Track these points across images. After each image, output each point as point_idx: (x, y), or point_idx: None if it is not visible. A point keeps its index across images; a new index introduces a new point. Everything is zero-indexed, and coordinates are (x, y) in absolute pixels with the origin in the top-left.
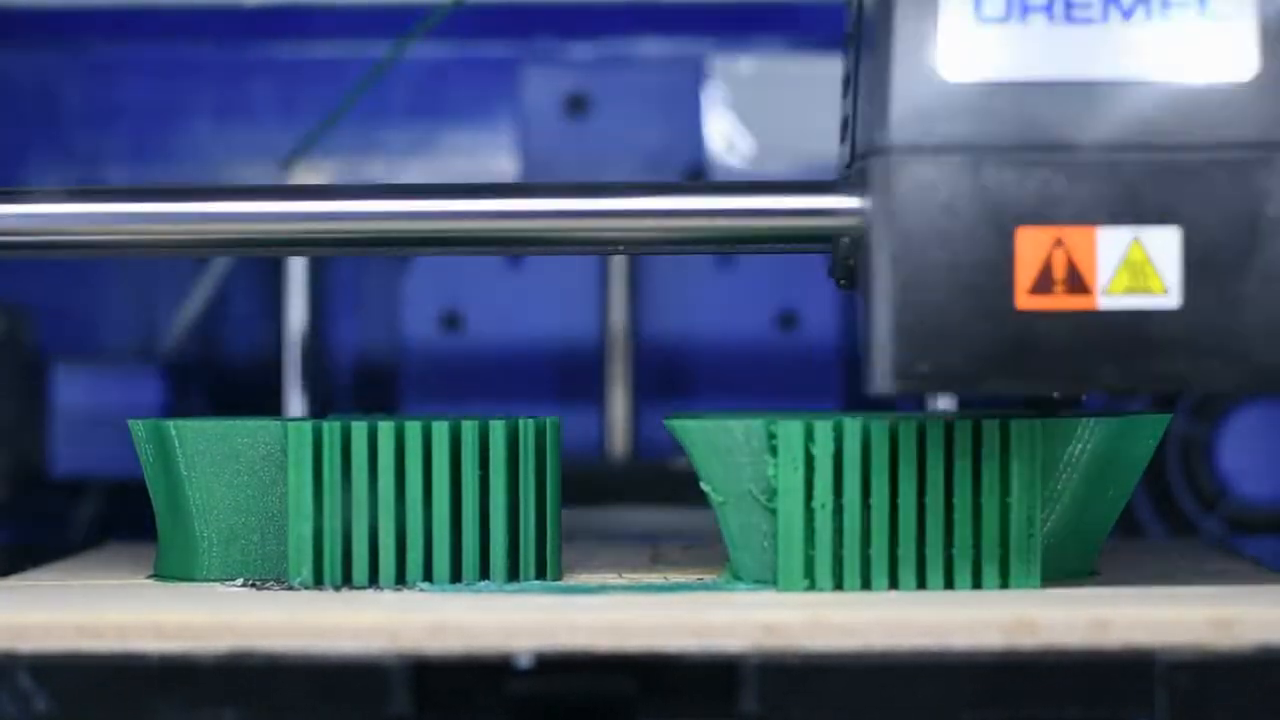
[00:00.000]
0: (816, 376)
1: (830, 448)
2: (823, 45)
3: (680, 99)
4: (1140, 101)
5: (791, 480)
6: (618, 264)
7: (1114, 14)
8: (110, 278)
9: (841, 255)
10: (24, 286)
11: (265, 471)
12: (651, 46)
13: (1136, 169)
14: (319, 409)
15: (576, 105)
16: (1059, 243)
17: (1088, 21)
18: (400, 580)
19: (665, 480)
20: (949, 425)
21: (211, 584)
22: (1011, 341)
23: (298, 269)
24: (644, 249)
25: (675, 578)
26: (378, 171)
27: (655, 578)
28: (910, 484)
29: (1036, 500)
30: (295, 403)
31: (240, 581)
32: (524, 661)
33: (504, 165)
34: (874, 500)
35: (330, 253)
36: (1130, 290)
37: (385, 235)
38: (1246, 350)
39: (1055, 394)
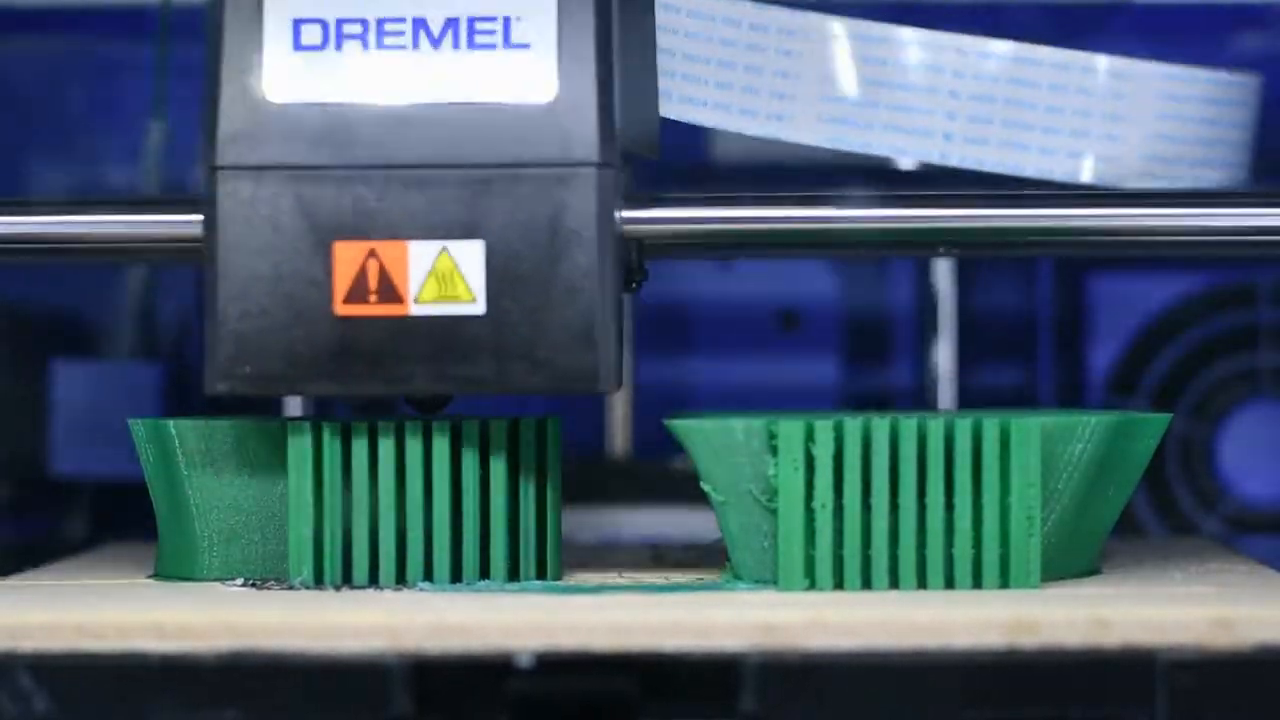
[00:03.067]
0: (816, 376)
1: (831, 448)
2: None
3: None
4: (446, 123)
5: (792, 480)
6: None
7: (424, 42)
8: (110, 278)
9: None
10: (24, 286)
11: (266, 471)
12: None
13: (445, 186)
14: (318, 408)
15: None
16: (373, 254)
17: (400, 49)
18: (400, 580)
19: (665, 480)
20: (949, 425)
21: (211, 584)
22: (329, 346)
23: None
24: None
25: (675, 578)
26: None
27: (655, 578)
28: (910, 484)
29: (1036, 500)
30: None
31: (240, 581)
32: (524, 661)
33: None
34: (874, 500)
35: None
36: (440, 298)
37: None
38: (550, 354)
39: (377, 395)
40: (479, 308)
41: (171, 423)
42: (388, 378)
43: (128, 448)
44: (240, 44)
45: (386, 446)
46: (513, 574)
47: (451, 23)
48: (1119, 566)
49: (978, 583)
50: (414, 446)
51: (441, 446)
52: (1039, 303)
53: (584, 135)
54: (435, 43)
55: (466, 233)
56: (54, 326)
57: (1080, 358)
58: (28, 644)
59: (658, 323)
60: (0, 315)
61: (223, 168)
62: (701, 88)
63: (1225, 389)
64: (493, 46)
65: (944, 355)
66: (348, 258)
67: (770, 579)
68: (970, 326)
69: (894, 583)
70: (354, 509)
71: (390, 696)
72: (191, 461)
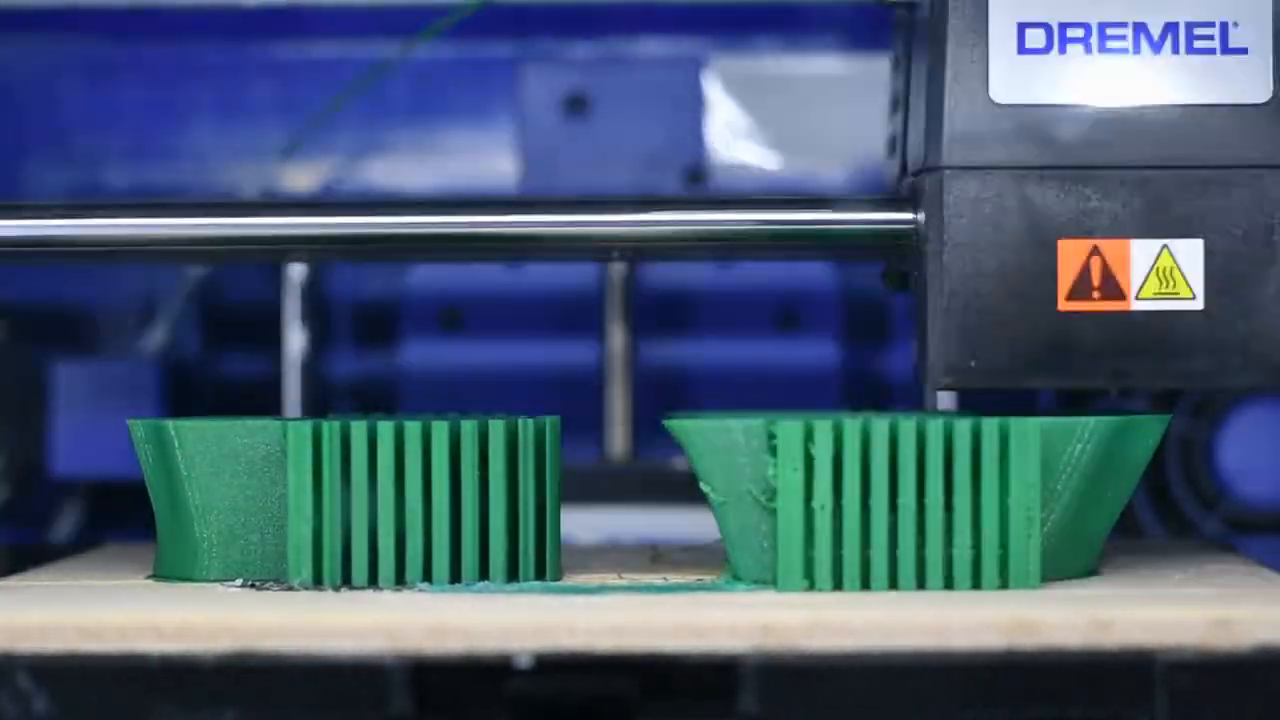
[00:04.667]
0: (816, 376)
1: (830, 448)
2: (822, 45)
3: (680, 99)
4: (1164, 124)
5: (791, 481)
6: (617, 263)
7: (1144, 46)
8: (110, 278)
9: (893, 263)
10: (24, 286)
11: (265, 471)
12: (651, 46)
13: (1165, 186)
14: (318, 409)
15: (576, 105)
16: (1096, 252)
17: (1122, 53)
18: (400, 580)
19: (665, 480)
20: (949, 425)
21: (211, 584)
22: (1053, 340)
23: (297, 266)
24: (719, 254)
25: (675, 578)
26: (378, 172)
27: (655, 578)
28: (910, 484)
29: (1036, 500)
30: (294, 402)
31: (240, 582)
32: (524, 662)
33: (504, 165)
34: (874, 500)
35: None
36: (1161, 295)
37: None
38: (1266, 351)
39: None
40: (1198, 304)
41: (171, 423)
42: (1108, 372)
43: (128, 448)
44: (965, 47)
45: (386, 447)
46: (512, 575)
47: (1171, 28)
48: (1119, 567)
49: (977, 583)
50: (413, 447)
51: (441, 447)
52: None
53: None
54: (1156, 47)
55: (1186, 231)
56: (54, 326)
57: None
58: (28, 644)
59: (658, 323)
60: (0, 316)
61: (950, 168)
62: None
63: (1225, 389)
64: (1211, 51)
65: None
66: (1071, 255)
67: (769, 580)
68: None
69: (893, 583)
70: (354, 509)
71: (390, 697)
72: (191, 461)
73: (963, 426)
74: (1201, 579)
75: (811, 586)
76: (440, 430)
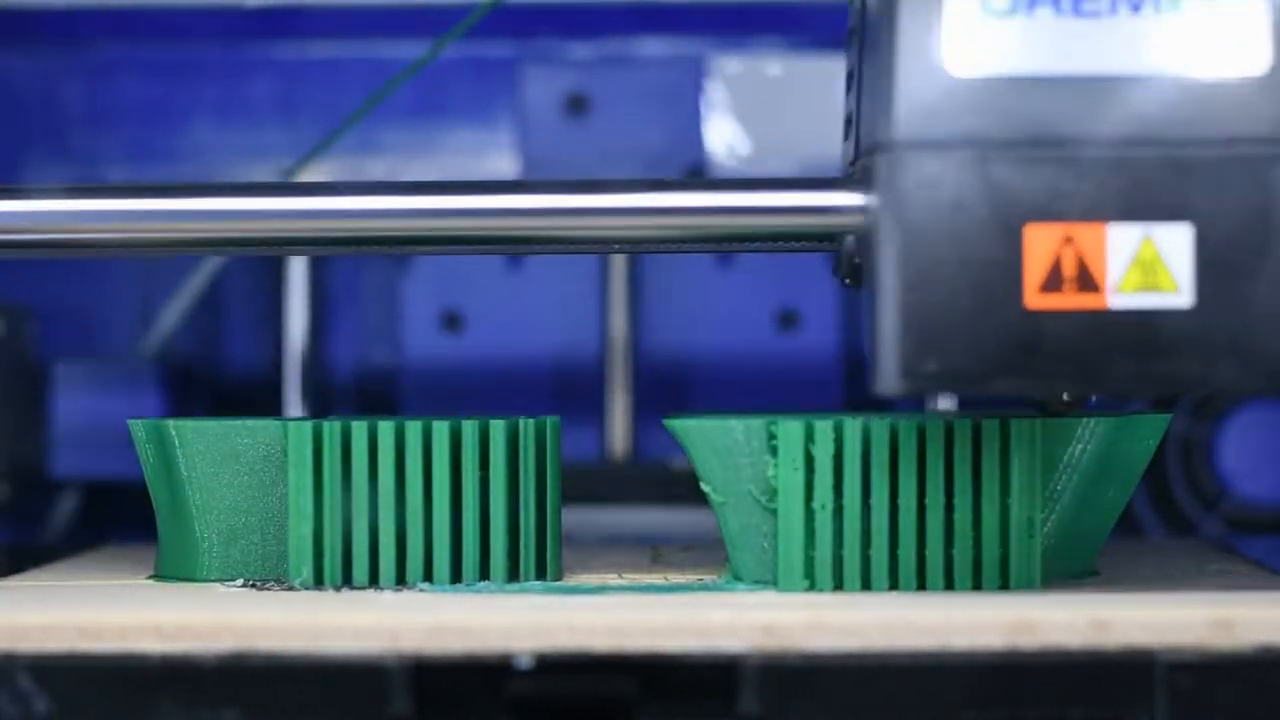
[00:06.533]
0: (816, 376)
1: (830, 448)
2: (823, 45)
3: (680, 99)
4: (1147, 96)
5: (791, 481)
6: (618, 262)
7: (1123, 7)
8: (110, 278)
9: (846, 253)
10: (24, 286)
11: (265, 472)
12: (651, 46)
13: (1147, 165)
14: (319, 409)
15: (576, 105)
16: (1069, 239)
17: (1096, 15)
18: (400, 580)
19: (665, 480)
20: (949, 425)
21: (212, 584)
22: (1020, 341)
23: (298, 267)
24: (643, 247)
25: (675, 578)
26: (378, 171)
27: (655, 578)
28: (910, 484)
29: (1036, 500)
30: (295, 402)
31: (240, 582)
32: (524, 662)
33: (504, 165)
34: (874, 501)
35: (328, 252)
36: (1142, 288)
37: (386, 234)
38: (1262, 351)
39: (1065, 395)
40: (1185, 299)
41: (171, 423)
42: (1084, 376)
43: (128, 447)
44: (920, 10)
45: (386, 447)
46: (512, 575)
47: None
48: (1119, 566)
49: (977, 583)
50: (414, 447)
51: (441, 447)
52: None
53: None
54: (1135, 8)
55: (1171, 215)
56: (54, 326)
57: None
58: (28, 645)
59: (659, 322)
60: (0, 316)
61: (903, 144)
62: None
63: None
64: (1197, 11)
65: None
66: (1040, 243)
67: (770, 580)
68: None
69: (894, 583)
70: (354, 509)
71: (390, 697)
72: (191, 462)
73: (963, 426)
74: (1201, 579)
75: (812, 586)
76: (441, 430)
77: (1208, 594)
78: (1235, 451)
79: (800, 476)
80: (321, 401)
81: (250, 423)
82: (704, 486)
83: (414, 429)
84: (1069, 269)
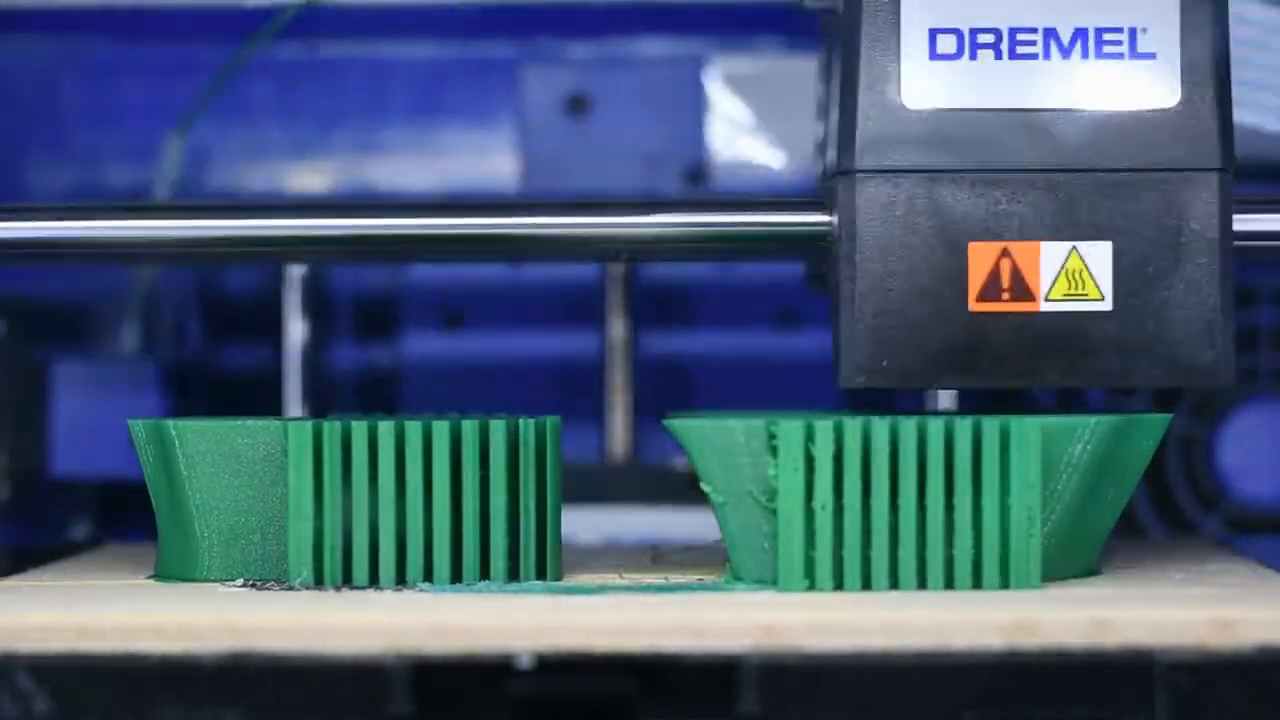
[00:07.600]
0: (816, 376)
1: (830, 448)
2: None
3: (680, 99)
4: (1074, 129)
5: (792, 481)
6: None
7: (1054, 51)
8: (110, 278)
9: (813, 264)
10: (24, 287)
11: (265, 472)
12: (651, 46)
13: (1075, 189)
14: (319, 409)
15: (576, 105)
16: (1006, 254)
17: (1031, 58)
18: (400, 580)
19: (665, 480)
20: (949, 425)
21: (212, 584)
22: (964, 342)
23: (298, 267)
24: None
25: (675, 578)
26: (379, 172)
27: (655, 578)
28: (910, 484)
29: (1036, 500)
30: (295, 402)
31: (240, 582)
32: (524, 662)
33: (504, 165)
34: (874, 500)
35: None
36: (1070, 296)
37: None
38: (1172, 349)
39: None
40: (1106, 305)
41: (171, 423)
42: (1018, 372)
43: (128, 447)
44: (877, 52)
45: (386, 447)
46: (513, 575)
47: (1080, 33)
48: (1119, 567)
49: (978, 583)
50: (414, 447)
51: (441, 447)
52: None
53: (1205, 141)
54: (1065, 52)
55: (1095, 234)
56: (54, 326)
57: None
58: (28, 644)
59: (659, 322)
60: (0, 315)
61: (861, 171)
62: (1261, 93)
63: (1225, 389)
64: (1120, 56)
65: None
66: (981, 257)
67: (770, 580)
68: None
69: (894, 583)
70: (354, 509)
71: (390, 697)
72: (191, 462)
73: (963, 426)
74: (1201, 579)
75: (812, 586)
76: (441, 430)
77: (1208, 594)
78: (1235, 451)
79: (800, 476)
80: (321, 401)
81: (250, 423)
82: (704, 486)
83: (414, 429)
84: (1006, 279)
